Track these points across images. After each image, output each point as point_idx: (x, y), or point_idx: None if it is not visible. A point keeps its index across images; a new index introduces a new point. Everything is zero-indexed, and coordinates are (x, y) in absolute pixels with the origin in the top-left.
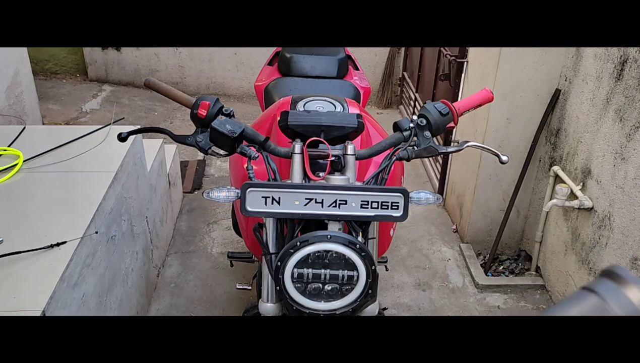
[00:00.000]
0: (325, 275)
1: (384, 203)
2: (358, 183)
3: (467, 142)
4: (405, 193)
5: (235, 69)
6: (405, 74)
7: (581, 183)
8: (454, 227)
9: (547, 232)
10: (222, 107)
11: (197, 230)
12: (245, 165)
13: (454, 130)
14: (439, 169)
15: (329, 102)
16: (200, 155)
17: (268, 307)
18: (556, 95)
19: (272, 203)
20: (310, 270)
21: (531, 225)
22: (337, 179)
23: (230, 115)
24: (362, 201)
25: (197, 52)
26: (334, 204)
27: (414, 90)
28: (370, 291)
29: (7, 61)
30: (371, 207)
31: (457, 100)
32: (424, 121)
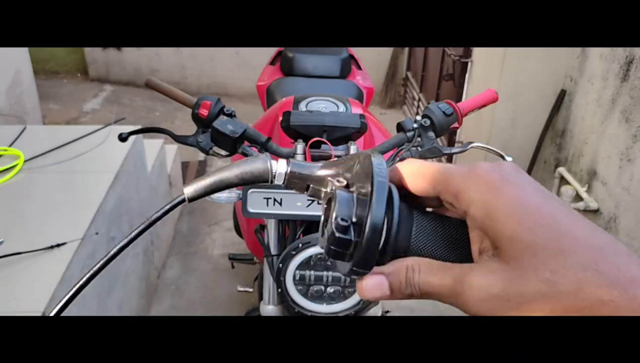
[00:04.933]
0: (327, 277)
1: None
2: None
3: (471, 143)
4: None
5: (237, 69)
6: (408, 74)
7: (587, 185)
8: None
9: None
10: (224, 107)
11: (198, 231)
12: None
13: (458, 130)
14: None
15: (331, 102)
16: (201, 156)
17: (269, 309)
18: (561, 96)
19: (274, 204)
20: (312, 272)
21: None
22: None
23: (231, 115)
24: None
25: (198, 52)
26: None
27: (418, 90)
28: None
29: (8, 61)
30: None
31: (461, 100)
32: (428, 122)
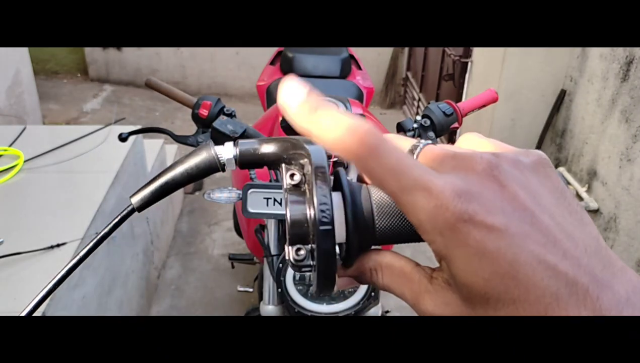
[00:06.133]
0: None
1: None
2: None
3: None
4: None
5: (237, 69)
6: (408, 74)
7: (587, 185)
8: None
9: None
10: (224, 107)
11: (198, 231)
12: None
13: (458, 130)
14: None
15: (331, 102)
16: None
17: (269, 309)
18: (561, 96)
19: (274, 204)
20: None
21: None
22: None
23: (231, 115)
24: None
25: (198, 52)
26: None
27: (418, 90)
28: (373, 293)
29: (8, 61)
30: None
31: (461, 100)
32: (428, 121)
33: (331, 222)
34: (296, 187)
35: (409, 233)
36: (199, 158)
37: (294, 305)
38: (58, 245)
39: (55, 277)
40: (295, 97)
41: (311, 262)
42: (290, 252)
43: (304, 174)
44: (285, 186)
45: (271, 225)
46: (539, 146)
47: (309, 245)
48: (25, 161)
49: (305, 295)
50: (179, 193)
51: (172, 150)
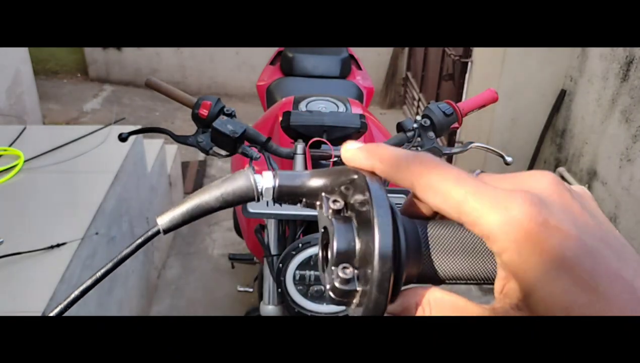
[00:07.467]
0: None
1: None
2: None
3: (471, 142)
4: (409, 194)
5: (237, 69)
6: (408, 74)
7: (587, 185)
8: None
9: None
10: (224, 107)
11: (198, 231)
12: (247, 166)
13: (458, 130)
14: None
15: (331, 102)
16: (201, 156)
17: (269, 309)
18: (561, 96)
19: (274, 204)
20: (312, 272)
21: None
22: None
23: (231, 115)
24: None
25: (198, 52)
26: None
27: (418, 90)
28: None
29: (8, 61)
30: None
31: (461, 100)
32: (428, 122)
33: (391, 271)
34: (337, 213)
35: (466, 273)
36: (236, 184)
37: (294, 305)
38: (58, 245)
39: (64, 301)
40: (355, 143)
41: (356, 287)
42: (333, 280)
43: (345, 202)
44: (327, 212)
45: (271, 225)
46: (539, 146)
47: (354, 271)
48: (25, 161)
49: (305, 295)
50: (179, 194)
51: (172, 150)
